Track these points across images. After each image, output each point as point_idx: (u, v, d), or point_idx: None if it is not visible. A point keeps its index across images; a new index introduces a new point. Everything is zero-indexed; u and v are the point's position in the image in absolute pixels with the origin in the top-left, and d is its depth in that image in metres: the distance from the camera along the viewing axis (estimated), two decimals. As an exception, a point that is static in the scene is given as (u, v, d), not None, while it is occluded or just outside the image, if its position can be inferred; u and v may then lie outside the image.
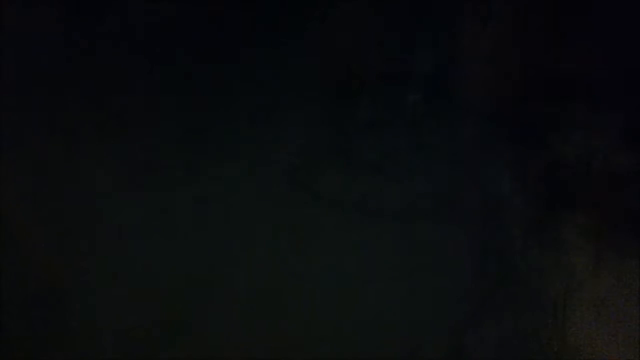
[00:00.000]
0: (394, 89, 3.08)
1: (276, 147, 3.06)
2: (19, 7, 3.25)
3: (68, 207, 2.82)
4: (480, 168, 2.89)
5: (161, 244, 2.68)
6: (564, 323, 2.48)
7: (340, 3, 2.90)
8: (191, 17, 3.28)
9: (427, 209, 2.80)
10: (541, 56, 2.92)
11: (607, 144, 2.82)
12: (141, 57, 3.27)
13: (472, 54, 3.00)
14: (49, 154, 3.04)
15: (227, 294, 2.54)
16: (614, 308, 2.49)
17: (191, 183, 2.94)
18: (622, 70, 2.91)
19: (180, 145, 3.09)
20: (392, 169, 2.96)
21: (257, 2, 3.21)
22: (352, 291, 2.57)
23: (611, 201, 2.71)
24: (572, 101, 2.96)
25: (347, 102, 3.03)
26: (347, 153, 3.03)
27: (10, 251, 2.63)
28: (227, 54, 3.27)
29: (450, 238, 2.70)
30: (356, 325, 2.49)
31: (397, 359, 2.42)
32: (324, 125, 3.03)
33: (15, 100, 3.19)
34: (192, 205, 2.84)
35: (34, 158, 3.00)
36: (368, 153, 3.03)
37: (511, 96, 2.93)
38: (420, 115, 3.06)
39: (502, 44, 2.95)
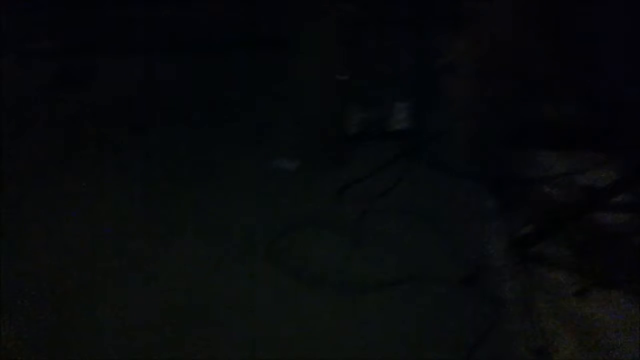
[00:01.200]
0: (394, 89, 3.10)
1: (276, 147, 3.07)
2: (18, 10, 3.27)
3: (68, 207, 2.82)
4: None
5: (161, 245, 2.69)
6: (548, 337, 2.46)
7: (340, 3, 2.91)
8: (191, 17, 3.29)
9: (427, 209, 2.81)
10: (540, 57, 2.94)
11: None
12: (141, 57, 3.29)
13: (471, 55, 3.01)
14: (49, 154, 3.04)
15: (226, 294, 2.55)
16: (599, 322, 2.48)
17: (191, 182, 2.95)
18: (621, 75, 2.93)
19: (181, 145, 3.10)
20: (390, 169, 2.98)
21: (257, 3, 3.22)
22: (352, 291, 2.58)
23: (596, 216, 2.71)
24: (573, 104, 2.99)
25: (347, 103, 3.04)
26: (347, 153, 3.04)
27: (10, 251, 2.64)
28: (227, 54, 3.29)
29: (444, 242, 2.71)
30: (356, 325, 2.49)
31: (397, 359, 2.42)
32: (324, 126, 3.04)
33: (15, 101, 3.20)
34: (191, 205, 2.84)
35: (34, 158, 3.01)
36: (368, 153, 3.04)
37: (508, 96, 2.95)
38: (417, 116, 3.08)
39: (501, 44, 2.96)
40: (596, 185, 2.76)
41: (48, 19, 3.36)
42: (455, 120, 3.03)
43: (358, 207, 2.82)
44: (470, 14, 2.97)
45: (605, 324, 2.47)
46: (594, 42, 2.94)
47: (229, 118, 3.20)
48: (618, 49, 2.93)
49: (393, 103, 3.07)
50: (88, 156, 3.05)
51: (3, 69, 3.26)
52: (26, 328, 2.42)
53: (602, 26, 2.92)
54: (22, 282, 2.54)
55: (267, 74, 3.29)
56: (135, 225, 2.77)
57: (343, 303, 2.53)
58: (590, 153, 2.95)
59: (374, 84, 3.06)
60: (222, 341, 2.42)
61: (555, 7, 2.92)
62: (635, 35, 2.88)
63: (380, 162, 2.98)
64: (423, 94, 3.09)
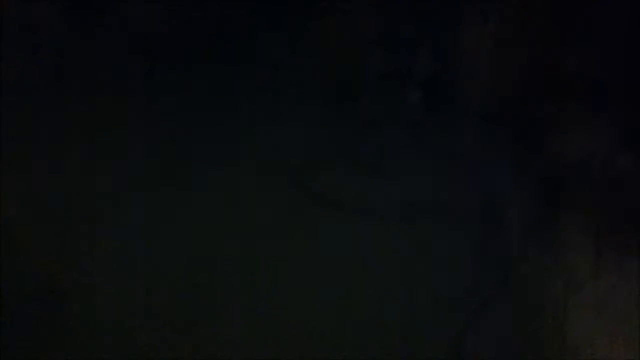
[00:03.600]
0: (394, 89, 3.09)
1: (276, 147, 3.06)
2: (19, 6, 3.26)
3: (68, 207, 2.82)
4: (480, 168, 2.90)
5: (161, 244, 2.69)
6: (563, 323, 2.48)
7: (340, 3, 2.90)
8: (191, 17, 3.28)
9: (427, 209, 2.80)
10: (541, 56, 2.93)
11: (607, 144, 2.83)
12: (141, 56, 3.28)
13: (472, 54, 3.00)
14: (50, 154, 3.04)
15: (226, 294, 2.54)
16: (614, 308, 2.49)
17: (191, 183, 2.94)
18: (622, 70, 2.91)
19: (180, 145, 3.09)
20: (392, 168, 2.97)
21: (257, 2, 3.21)
22: (352, 291, 2.57)
23: (611, 201, 2.71)
24: (572, 101, 2.97)
25: (347, 102, 3.03)
26: (347, 153, 3.03)
27: (10, 251, 2.63)
28: (227, 54, 3.28)
29: (450, 238, 2.70)
30: (356, 325, 2.49)
31: (397, 359, 2.42)
32: (324, 125, 3.03)
33: (15, 100, 3.19)
34: (192, 205, 2.84)
35: (34, 158, 3.01)
36: (368, 153, 3.03)
37: (511, 96, 2.94)
38: (420, 115, 3.06)
39: (503, 43, 2.95)
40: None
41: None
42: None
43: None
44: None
45: (620, 305, 2.49)
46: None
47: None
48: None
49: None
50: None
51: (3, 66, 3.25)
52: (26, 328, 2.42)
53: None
54: (22, 282, 2.54)
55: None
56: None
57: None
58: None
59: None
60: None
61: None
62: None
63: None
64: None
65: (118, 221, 2.77)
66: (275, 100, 3.10)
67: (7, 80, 3.16)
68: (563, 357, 2.47)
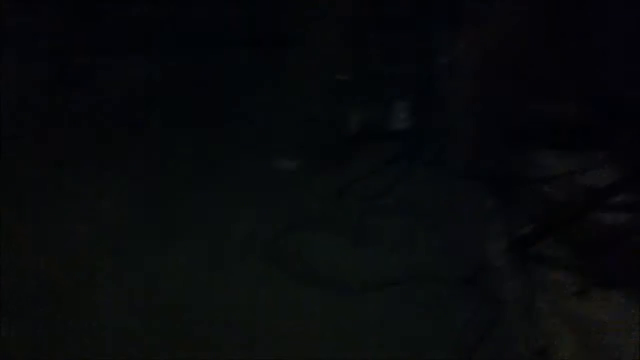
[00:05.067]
0: (393, 89, 3.10)
1: (276, 147, 3.07)
2: (19, 7, 3.27)
3: (68, 207, 2.82)
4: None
5: (161, 244, 2.69)
6: (548, 337, 2.46)
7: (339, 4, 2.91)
8: (191, 17, 3.29)
9: (427, 208, 2.81)
10: (541, 57, 2.94)
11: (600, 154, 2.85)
12: (141, 56, 3.29)
13: (471, 54, 3.01)
14: (49, 155, 3.04)
15: (226, 294, 2.55)
16: (599, 322, 2.48)
17: (190, 183, 2.95)
18: (621, 73, 2.93)
19: (180, 143, 3.10)
20: (391, 169, 2.98)
21: (257, 3, 3.22)
22: (351, 291, 2.58)
23: (596, 216, 2.71)
24: (573, 103, 2.98)
25: (347, 103, 3.04)
26: (346, 153, 3.04)
27: (10, 251, 2.63)
28: (227, 54, 3.29)
29: (444, 242, 2.71)
30: (356, 325, 2.49)
31: (397, 359, 2.42)
32: (324, 126, 3.04)
33: (15, 101, 3.20)
34: (191, 205, 2.84)
35: (34, 158, 3.01)
36: (367, 153, 3.04)
37: (510, 96, 2.95)
38: (418, 116, 3.08)
39: (501, 45, 2.96)
40: (596, 185, 2.75)
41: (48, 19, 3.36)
42: (456, 120, 3.03)
43: (358, 206, 2.81)
44: (471, 13, 2.96)
45: (604, 324, 2.48)
46: (594, 40, 2.93)
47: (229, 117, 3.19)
48: (618, 46, 2.93)
49: (393, 102, 3.07)
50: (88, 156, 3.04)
51: (3, 69, 3.26)
52: (26, 328, 2.42)
53: (602, 24, 2.92)
54: (22, 282, 2.54)
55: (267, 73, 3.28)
56: (135, 225, 2.76)
57: (342, 303, 2.53)
58: (591, 153, 2.94)
59: (375, 83, 3.05)
60: (221, 341, 2.42)
61: (555, 6, 2.91)
62: (636, 33, 2.88)
63: (380, 162, 2.98)
64: (423, 93, 3.08)
65: (118, 221, 2.77)
66: (275, 100, 3.11)
67: (7, 80, 3.18)
68: None
